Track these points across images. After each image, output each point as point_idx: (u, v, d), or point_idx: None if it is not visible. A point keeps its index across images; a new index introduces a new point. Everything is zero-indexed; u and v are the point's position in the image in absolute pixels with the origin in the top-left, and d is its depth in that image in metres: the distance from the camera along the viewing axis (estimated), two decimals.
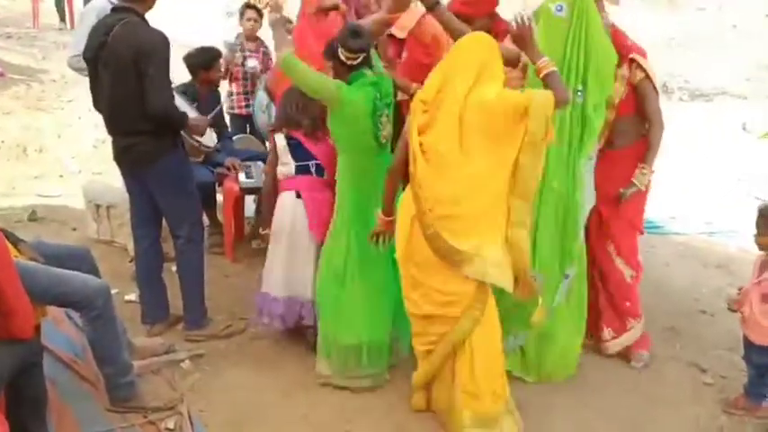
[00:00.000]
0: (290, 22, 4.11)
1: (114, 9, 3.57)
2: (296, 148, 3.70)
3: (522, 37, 3.01)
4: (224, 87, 5.72)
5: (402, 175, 3.14)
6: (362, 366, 3.50)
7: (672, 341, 4.15)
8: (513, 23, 3.04)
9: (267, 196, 4.00)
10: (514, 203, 2.90)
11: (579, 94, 3.44)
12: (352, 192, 3.46)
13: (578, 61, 3.40)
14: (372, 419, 3.32)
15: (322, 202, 3.65)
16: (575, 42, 3.39)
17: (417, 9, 3.69)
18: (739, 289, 3.46)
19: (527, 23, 3.01)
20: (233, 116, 5.81)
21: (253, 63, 5.68)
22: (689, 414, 3.45)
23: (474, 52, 2.91)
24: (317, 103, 3.46)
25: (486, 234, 2.88)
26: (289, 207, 3.68)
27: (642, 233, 3.91)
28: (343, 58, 3.28)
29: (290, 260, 3.70)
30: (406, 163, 3.04)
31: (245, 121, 5.81)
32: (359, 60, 3.31)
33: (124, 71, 3.41)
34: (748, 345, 3.34)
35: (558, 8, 3.41)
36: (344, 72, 3.34)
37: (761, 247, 3.27)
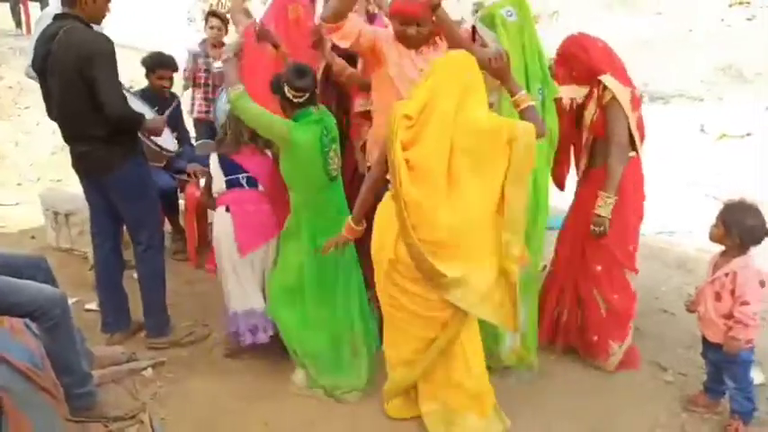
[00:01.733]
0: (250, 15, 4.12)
1: (56, 16, 3.50)
2: (225, 163, 3.72)
3: (501, 70, 3.02)
4: (189, 93, 5.71)
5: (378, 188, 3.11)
6: (343, 375, 3.54)
7: (633, 340, 4.19)
8: (491, 58, 3.02)
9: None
10: (506, 238, 2.81)
11: (540, 92, 3.54)
12: (307, 225, 3.50)
13: (534, 62, 3.51)
14: (335, 426, 3.30)
15: (252, 213, 3.65)
16: (529, 45, 3.51)
17: (357, 18, 3.60)
18: (696, 288, 3.52)
19: (504, 57, 3.02)
20: (196, 121, 5.79)
21: (219, 63, 5.66)
22: (650, 412, 3.49)
23: (457, 71, 2.87)
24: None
25: (473, 260, 2.82)
26: (220, 222, 3.67)
27: (633, 270, 3.78)
28: (289, 95, 3.36)
29: (236, 274, 3.65)
30: (384, 176, 3.02)
31: (207, 127, 5.80)
32: (304, 98, 3.38)
33: (71, 78, 3.36)
34: (705, 342, 3.40)
35: (509, 13, 3.50)
36: (290, 108, 3.44)
37: (713, 237, 3.32)
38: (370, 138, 3.77)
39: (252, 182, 3.71)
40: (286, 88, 3.35)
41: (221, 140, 3.80)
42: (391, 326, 3.15)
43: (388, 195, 2.99)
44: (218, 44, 5.81)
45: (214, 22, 5.77)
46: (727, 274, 3.21)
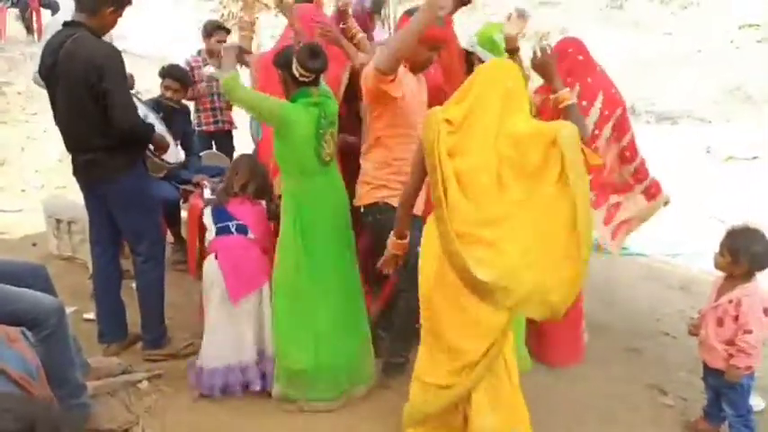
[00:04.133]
0: (248, 52, 4.15)
1: (65, 24, 3.50)
2: (216, 213, 3.72)
3: (547, 65, 2.98)
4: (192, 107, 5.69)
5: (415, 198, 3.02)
6: (315, 390, 3.46)
7: (633, 362, 4.16)
8: (535, 51, 2.99)
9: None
10: (578, 241, 2.56)
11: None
12: (298, 214, 3.44)
13: None
14: None
15: (241, 258, 3.55)
16: None
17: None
18: (699, 312, 3.49)
19: (549, 52, 2.97)
20: (200, 133, 5.77)
21: (211, 69, 5.61)
22: None
23: (499, 79, 2.76)
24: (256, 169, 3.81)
25: (518, 264, 2.61)
26: (209, 272, 3.55)
27: None
28: (296, 73, 3.32)
29: (223, 327, 3.51)
30: (420, 186, 2.95)
31: (210, 138, 5.79)
32: (311, 79, 3.36)
33: (77, 87, 3.35)
34: (706, 367, 3.36)
35: (499, 39, 3.57)
36: (292, 86, 3.40)
37: (718, 266, 3.29)
38: (366, 176, 3.65)
39: (242, 229, 3.66)
40: (295, 65, 3.30)
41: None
42: (430, 346, 2.95)
43: (430, 221, 2.85)
44: (218, 54, 5.74)
45: (222, 35, 5.70)
46: (731, 301, 3.18)
